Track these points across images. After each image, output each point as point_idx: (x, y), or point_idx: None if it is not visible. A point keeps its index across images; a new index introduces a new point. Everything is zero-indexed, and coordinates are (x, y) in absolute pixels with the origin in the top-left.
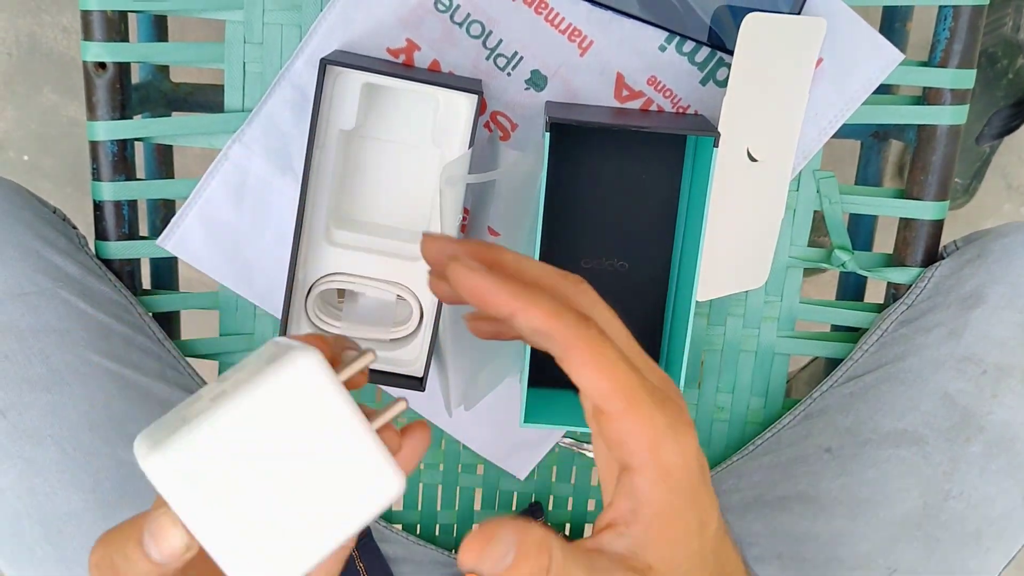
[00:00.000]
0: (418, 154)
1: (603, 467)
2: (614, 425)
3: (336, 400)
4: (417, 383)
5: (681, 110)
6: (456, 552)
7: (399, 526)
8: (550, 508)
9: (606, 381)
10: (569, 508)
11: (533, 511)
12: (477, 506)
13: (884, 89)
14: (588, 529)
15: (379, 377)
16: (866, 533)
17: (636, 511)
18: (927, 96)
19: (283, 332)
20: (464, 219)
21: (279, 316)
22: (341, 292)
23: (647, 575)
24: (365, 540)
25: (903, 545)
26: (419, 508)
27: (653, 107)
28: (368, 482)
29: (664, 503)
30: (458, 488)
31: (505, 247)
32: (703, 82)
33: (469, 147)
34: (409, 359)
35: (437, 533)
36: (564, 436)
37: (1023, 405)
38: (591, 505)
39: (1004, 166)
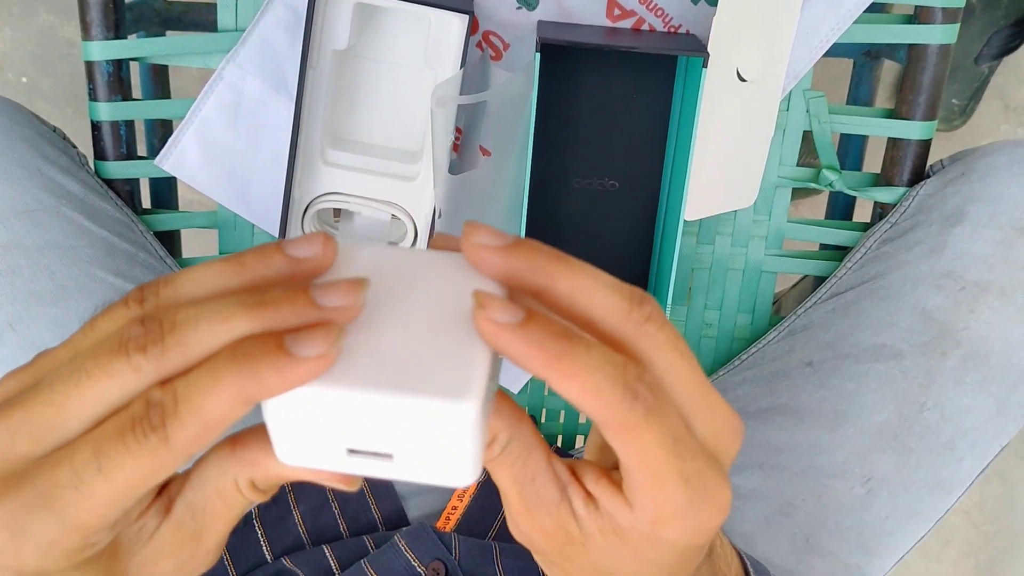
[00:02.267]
0: (411, 75)
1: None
2: (628, 484)
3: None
4: None
5: (673, 29)
6: None
7: None
8: (543, 421)
9: (635, 460)
10: (561, 420)
11: None
12: None
13: (877, 8)
14: (580, 440)
15: None
16: (843, 443)
17: (609, 525)
18: (918, 15)
19: None
20: (457, 139)
21: (275, 234)
22: (337, 211)
23: (566, 540)
24: None
25: (878, 454)
26: None
27: (645, 27)
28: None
29: (636, 552)
30: None
31: (565, 257)
32: (695, 0)
33: (461, 67)
34: None
35: None
36: None
37: (999, 320)
38: (582, 418)
39: (1002, 87)
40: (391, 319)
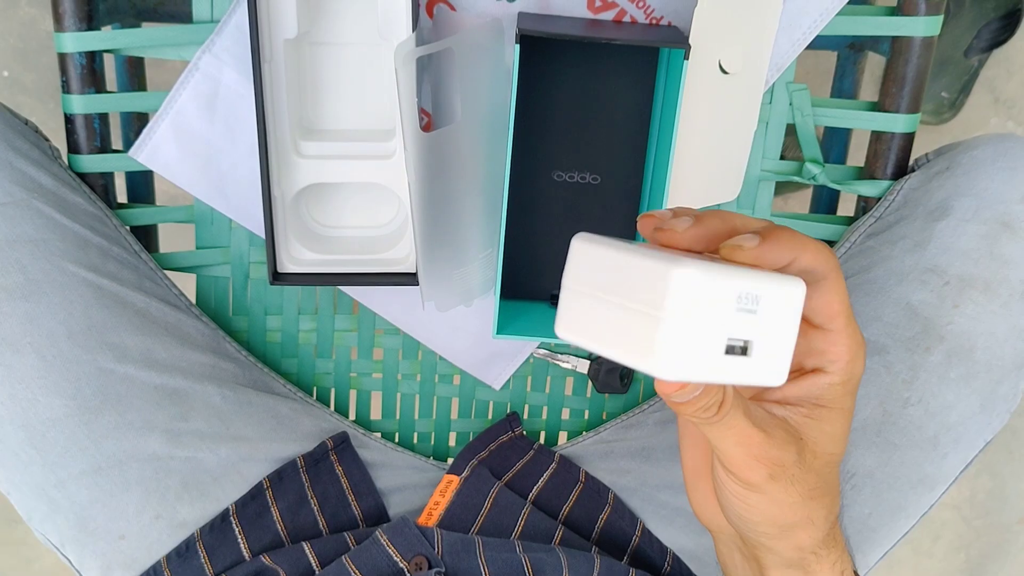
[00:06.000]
0: (368, 52)
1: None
2: (827, 337)
3: None
4: (411, 278)
5: (654, 21)
6: (433, 458)
7: (378, 434)
8: (525, 417)
9: (839, 304)
10: (544, 417)
11: (510, 420)
12: (453, 415)
13: (860, 0)
14: (563, 437)
15: (373, 279)
16: None
17: (811, 398)
18: (902, 7)
19: (271, 251)
20: (427, 122)
21: (253, 230)
22: None
23: (798, 445)
24: (343, 446)
25: (862, 450)
26: (397, 417)
27: (626, 18)
28: None
29: (839, 401)
30: (435, 398)
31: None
32: None
33: (412, 31)
34: (400, 256)
35: (415, 441)
36: (539, 347)
37: (983, 315)
38: (565, 414)
39: (992, 79)
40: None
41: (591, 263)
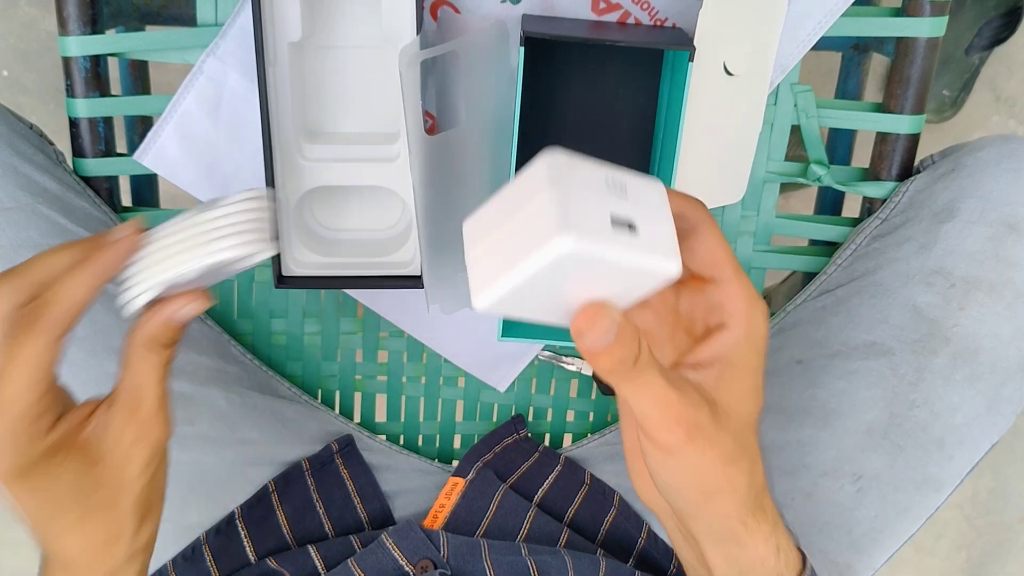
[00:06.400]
0: (374, 56)
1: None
2: (720, 289)
3: None
4: (416, 281)
5: (659, 23)
6: (438, 461)
7: (383, 436)
8: (530, 419)
9: (723, 252)
10: (548, 419)
11: (515, 423)
12: (458, 418)
13: (865, 1)
14: (568, 439)
15: (378, 282)
16: (833, 441)
17: (718, 358)
18: (906, 8)
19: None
20: (431, 125)
21: None
22: None
23: (711, 407)
24: (348, 449)
25: (868, 452)
26: (402, 419)
27: (630, 20)
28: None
29: (744, 358)
30: (440, 400)
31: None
32: None
33: (417, 33)
34: (405, 259)
35: (420, 443)
36: (543, 349)
37: (989, 317)
38: (570, 416)
39: (993, 77)
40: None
41: (480, 228)
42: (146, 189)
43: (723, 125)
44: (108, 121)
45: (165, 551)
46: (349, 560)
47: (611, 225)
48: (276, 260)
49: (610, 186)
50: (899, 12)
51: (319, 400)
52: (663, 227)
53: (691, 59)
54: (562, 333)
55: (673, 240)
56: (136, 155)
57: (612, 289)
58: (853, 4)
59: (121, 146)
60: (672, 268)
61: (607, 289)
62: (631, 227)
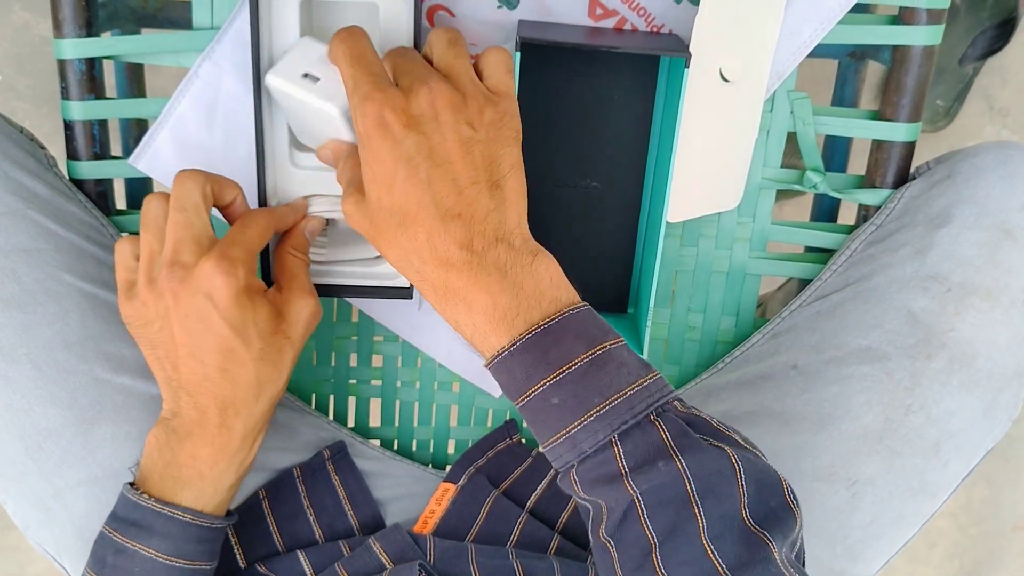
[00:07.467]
0: None
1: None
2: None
3: None
4: (406, 293)
5: (655, 29)
6: (432, 466)
7: (376, 442)
8: (523, 425)
9: (345, 73)
10: None
11: (508, 428)
12: (453, 423)
13: (861, 8)
14: None
15: (370, 291)
16: (828, 446)
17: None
18: (903, 16)
19: (265, 263)
20: None
21: None
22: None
23: (353, 184)
24: (340, 455)
25: (864, 457)
26: (396, 424)
27: (627, 26)
28: None
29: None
30: (434, 405)
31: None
32: (678, 0)
33: (414, 38)
34: (394, 271)
35: (414, 448)
36: None
37: (985, 323)
38: None
39: (986, 87)
40: None
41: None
42: (140, 192)
43: (719, 132)
44: (103, 124)
45: None
46: (336, 564)
47: (301, 76)
48: (268, 266)
49: (320, 59)
50: (895, 20)
51: (313, 404)
52: (340, 86)
53: (687, 66)
54: None
55: (343, 94)
56: (131, 159)
57: (330, 130)
58: (849, 12)
59: (116, 149)
60: (332, 110)
61: (332, 132)
62: (315, 79)
